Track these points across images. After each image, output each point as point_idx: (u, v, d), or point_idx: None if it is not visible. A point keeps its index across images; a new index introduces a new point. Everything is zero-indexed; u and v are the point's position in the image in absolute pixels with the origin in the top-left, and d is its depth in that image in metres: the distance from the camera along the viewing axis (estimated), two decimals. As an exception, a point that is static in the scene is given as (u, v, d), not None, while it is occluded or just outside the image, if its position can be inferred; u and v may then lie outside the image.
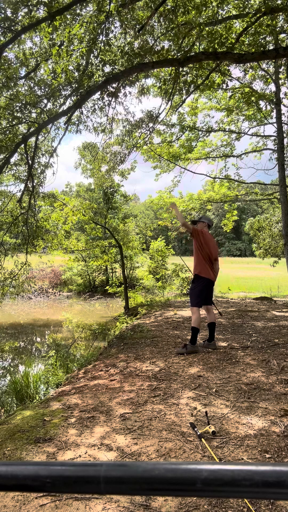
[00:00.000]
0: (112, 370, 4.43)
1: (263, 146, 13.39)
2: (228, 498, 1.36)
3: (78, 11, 6.43)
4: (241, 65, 8.37)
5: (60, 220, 11.07)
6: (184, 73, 7.11)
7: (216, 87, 9.28)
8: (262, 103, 11.75)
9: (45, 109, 7.25)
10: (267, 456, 2.36)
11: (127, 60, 6.66)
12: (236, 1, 7.10)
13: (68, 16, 6.28)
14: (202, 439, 2.53)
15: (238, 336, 5.97)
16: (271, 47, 7.54)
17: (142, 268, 21.56)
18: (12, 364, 8.41)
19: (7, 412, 4.60)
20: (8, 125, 7.30)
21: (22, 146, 7.01)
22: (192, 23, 6.14)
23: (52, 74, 6.90)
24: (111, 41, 6.78)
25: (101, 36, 6.32)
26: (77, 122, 7.72)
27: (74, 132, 7.93)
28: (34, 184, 7.94)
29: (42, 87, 7.28)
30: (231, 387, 3.59)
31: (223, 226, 14.81)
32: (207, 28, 6.46)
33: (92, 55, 6.58)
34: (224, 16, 7.09)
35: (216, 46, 6.17)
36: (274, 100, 11.41)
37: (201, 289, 5.01)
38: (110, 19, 6.21)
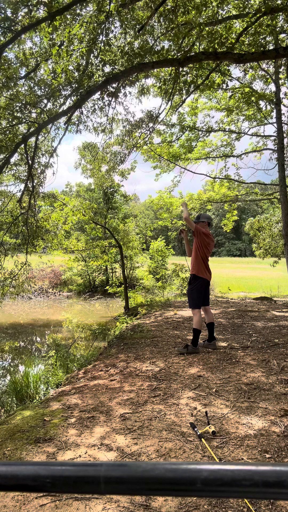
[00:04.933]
0: (112, 370, 4.43)
1: (263, 146, 13.39)
2: (228, 498, 1.36)
3: (78, 11, 6.43)
4: (241, 65, 8.36)
5: (60, 220, 11.05)
6: (184, 73, 7.10)
7: (216, 87, 9.28)
8: (262, 103, 11.76)
9: (45, 109, 7.25)
10: (267, 456, 2.36)
11: (127, 60, 6.66)
12: (236, 1, 7.09)
13: (68, 16, 6.28)
14: (202, 439, 2.53)
15: (238, 336, 5.96)
16: (271, 47, 7.54)
17: (142, 268, 21.54)
18: (12, 364, 8.41)
19: (7, 412, 4.60)
20: (8, 125, 7.30)
21: (22, 146, 7.01)
22: (192, 23, 6.13)
23: (52, 74, 6.89)
24: (111, 41, 6.78)
25: (101, 36, 6.32)
26: (77, 122, 7.72)
27: (74, 132, 7.92)
28: (34, 184, 7.94)
29: (42, 87, 7.28)
30: (231, 387, 3.59)
31: (223, 226, 14.80)
32: (207, 28, 6.46)
33: (92, 55, 6.57)
34: (224, 16, 7.09)
35: (216, 46, 6.16)
36: (274, 100, 11.41)
37: (200, 290, 5.00)
38: (110, 19, 6.21)
